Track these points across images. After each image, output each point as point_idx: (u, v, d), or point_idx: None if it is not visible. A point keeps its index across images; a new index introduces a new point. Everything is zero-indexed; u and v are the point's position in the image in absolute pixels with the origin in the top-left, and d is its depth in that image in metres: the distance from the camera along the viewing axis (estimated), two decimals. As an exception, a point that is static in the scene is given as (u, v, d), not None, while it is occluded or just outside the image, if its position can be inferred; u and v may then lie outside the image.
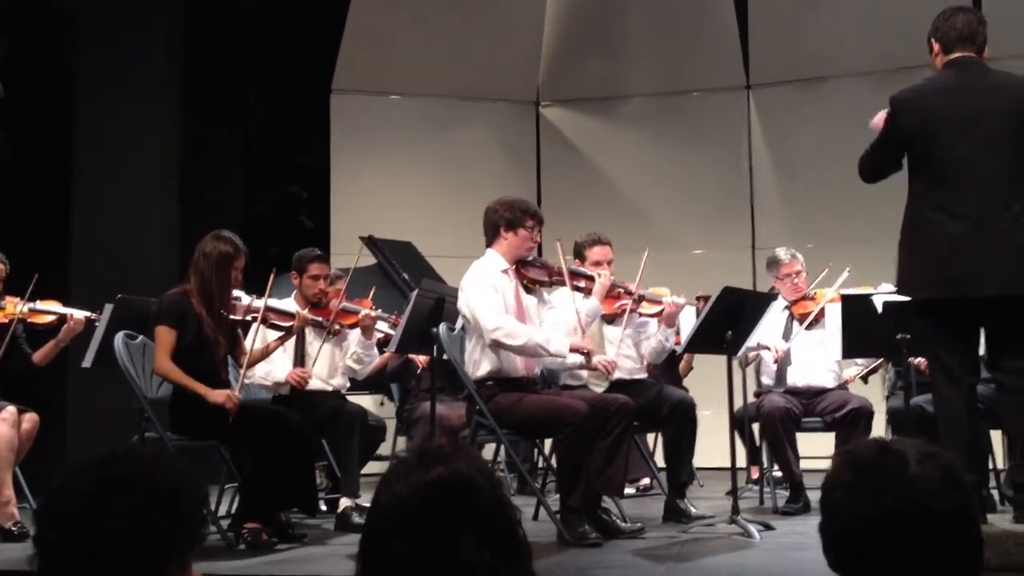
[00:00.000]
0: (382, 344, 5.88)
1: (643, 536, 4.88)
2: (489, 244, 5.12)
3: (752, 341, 5.61)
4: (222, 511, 5.58)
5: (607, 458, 4.81)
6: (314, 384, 5.59)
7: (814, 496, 5.48)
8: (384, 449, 6.41)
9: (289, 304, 5.60)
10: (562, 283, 5.20)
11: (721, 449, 5.43)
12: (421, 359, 6.54)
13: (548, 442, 5.68)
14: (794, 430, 5.76)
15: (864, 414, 5.69)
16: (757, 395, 6.07)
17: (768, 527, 4.98)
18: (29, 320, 5.67)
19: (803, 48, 9.00)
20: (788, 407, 5.74)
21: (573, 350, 4.96)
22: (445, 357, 5.25)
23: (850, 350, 5.56)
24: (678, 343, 5.77)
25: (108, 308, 5.51)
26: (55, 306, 5.73)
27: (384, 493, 1.47)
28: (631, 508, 5.55)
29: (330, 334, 5.60)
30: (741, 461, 5.91)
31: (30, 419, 5.39)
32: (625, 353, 5.57)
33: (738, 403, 5.52)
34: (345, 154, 9.21)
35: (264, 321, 5.24)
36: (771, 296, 5.61)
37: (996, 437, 5.36)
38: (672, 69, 9.37)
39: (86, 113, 8.27)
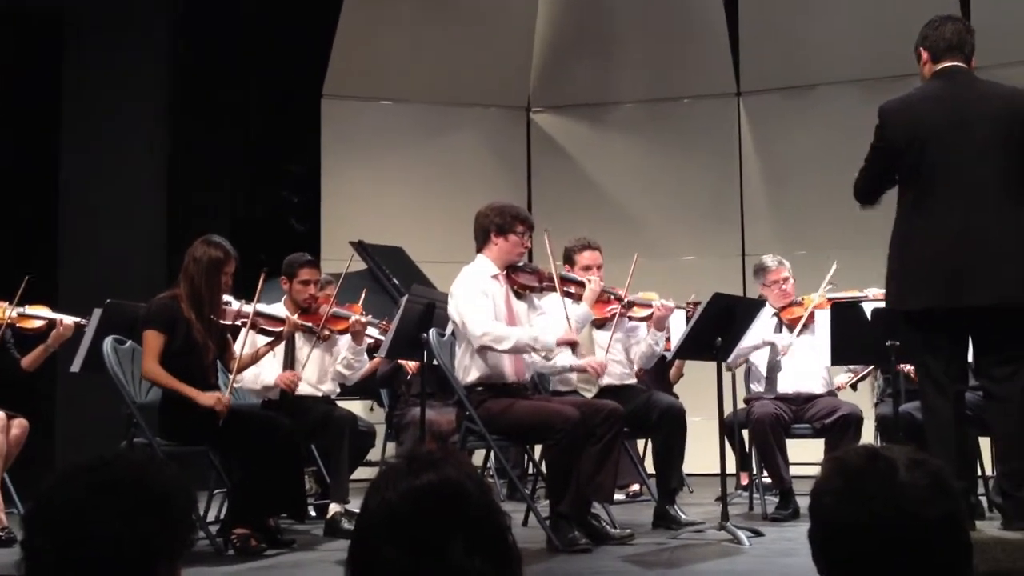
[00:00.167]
0: (372, 349, 5.87)
1: (633, 542, 4.88)
2: (479, 249, 5.12)
3: (748, 342, 5.61)
4: (211, 516, 5.56)
5: (597, 464, 4.82)
6: (304, 389, 5.58)
7: (803, 502, 5.49)
8: (374, 455, 6.41)
9: (279, 309, 5.59)
10: (552, 289, 5.21)
11: (711, 455, 5.43)
12: (411, 364, 6.53)
13: (538, 448, 5.68)
14: (784, 436, 5.76)
15: (853, 421, 5.70)
16: (747, 401, 6.08)
17: (757, 533, 4.98)
18: (18, 325, 5.66)
19: (793, 56, 9.02)
20: (778, 413, 5.74)
21: (560, 343, 4.96)
22: (435, 363, 5.25)
23: (839, 357, 5.57)
24: (668, 349, 5.78)
25: (97, 313, 5.50)
26: (44, 311, 5.72)
27: (373, 499, 1.47)
28: (621, 514, 5.55)
29: (320, 339, 5.59)
30: (731, 467, 5.91)
31: (19, 424, 5.38)
32: (615, 358, 5.57)
33: (728, 409, 5.52)
34: (336, 159, 9.21)
35: (254, 326, 5.23)
36: (760, 302, 5.63)
37: (984, 444, 5.37)
38: (663, 76, 9.39)
39: (74, 118, 8.25)
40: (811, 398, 5.93)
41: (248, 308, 5.21)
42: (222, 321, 5.07)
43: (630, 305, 5.49)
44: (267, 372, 5.56)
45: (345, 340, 5.68)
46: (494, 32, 9.38)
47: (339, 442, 5.38)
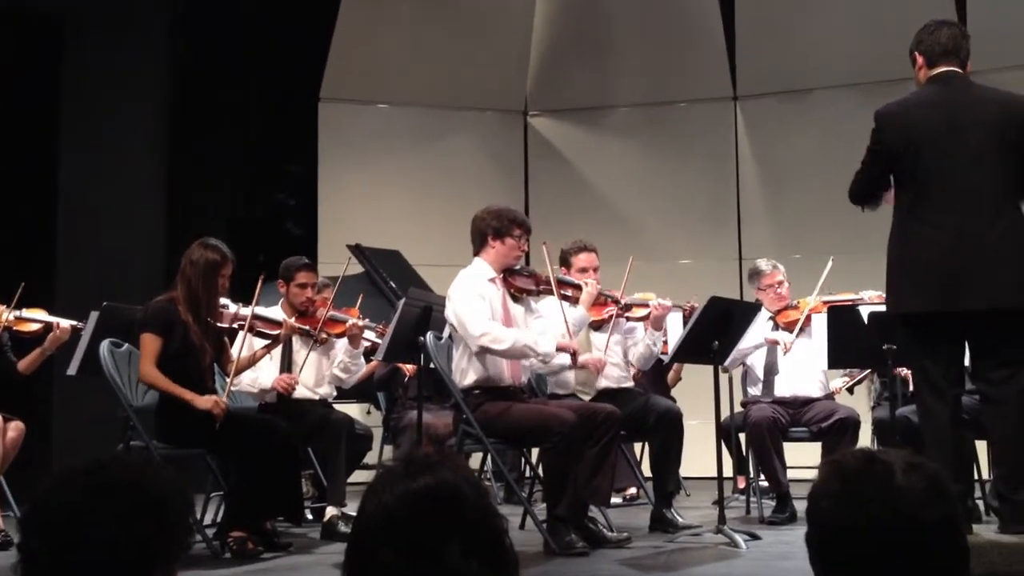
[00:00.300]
0: (369, 353, 5.87)
1: (630, 546, 4.88)
2: (476, 253, 5.12)
3: (747, 343, 5.60)
4: (208, 519, 5.56)
5: (594, 467, 4.81)
6: (301, 393, 5.58)
7: (800, 506, 5.48)
8: (371, 458, 6.39)
9: (276, 312, 5.59)
10: (549, 292, 5.21)
11: (708, 459, 5.44)
12: (408, 368, 6.53)
13: (535, 451, 5.68)
14: (780, 440, 5.76)
15: (851, 424, 5.70)
16: (744, 405, 6.08)
17: (754, 537, 4.99)
18: (15, 328, 5.65)
19: (790, 60, 9.04)
20: (775, 417, 5.74)
21: (560, 349, 4.96)
22: (432, 366, 5.25)
23: (836, 360, 5.57)
24: (665, 352, 5.78)
25: (94, 316, 5.49)
26: (41, 314, 5.71)
27: (370, 502, 1.47)
28: (618, 517, 5.55)
29: (317, 343, 5.59)
30: (728, 471, 5.91)
31: (15, 427, 5.37)
32: (612, 361, 5.57)
33: (725, 413, 5.53)
34: (333, 162, 9.21)
35: (251, 329, 5.23)
36: (757, 306, 5.63)
37: (981, 448, 5.37)
38: (659, 80, 9.41)
39: (74, 118, 8.25)
40: (808, 401, 5.94)
41: (245, 311, 5.21)
42: (219, 324, 5.06)
43: (627, 307, 5.49)
44: (264, 375, 5.56)
45: (342, 343, 5.68)
46: (491, 36, 9.39)
47: (336, 445, 5.38)
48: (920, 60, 4.23)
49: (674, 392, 7.00)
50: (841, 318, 5.37)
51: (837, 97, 8.74)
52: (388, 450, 6.89)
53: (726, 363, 5.57)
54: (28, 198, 8.22)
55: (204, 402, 4.81)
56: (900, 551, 1.48)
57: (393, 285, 7.46)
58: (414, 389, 6.10)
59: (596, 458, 4.82)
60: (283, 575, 4.47)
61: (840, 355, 5.44)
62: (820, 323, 5.60)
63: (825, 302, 5.97)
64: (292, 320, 5.48)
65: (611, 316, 5.47)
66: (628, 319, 5.58)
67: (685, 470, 5.78)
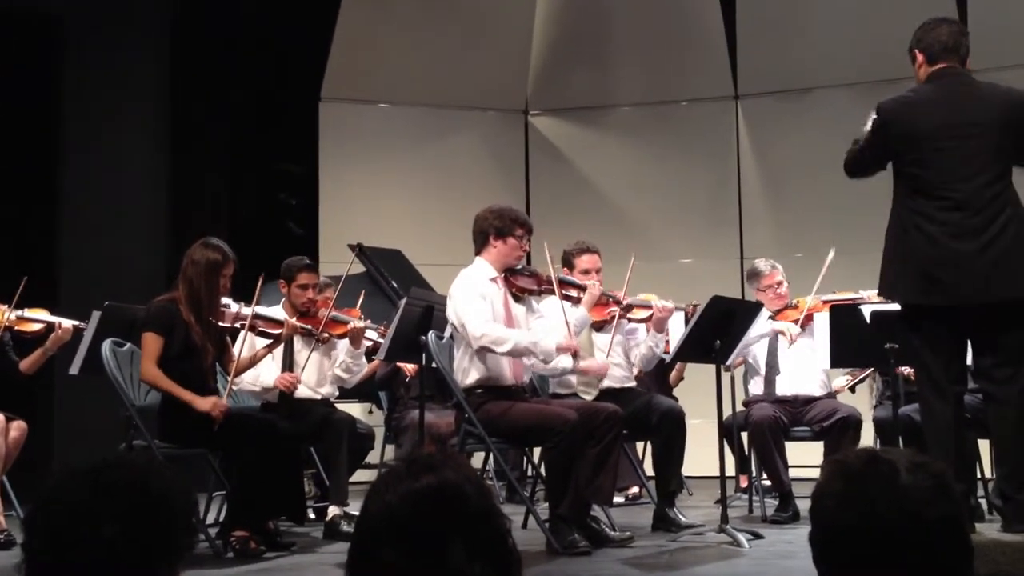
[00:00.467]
0: (371, 352, 5.87)
1: (632, 545, 4.88)
2: (478, 252, 5.12)
3: (753, 333, 5.59)
4: (210, 519, 5.57)
5: (596, 467, 4.81)
6: (302, 392, 5.58)
7: (803, 505, 5.49)
8: (372, 457, 6.40)
9: (277, 312, 5.59)
10: (551, 292, 5.20)
11: (710, 458, 5.43)
12: (410, 367, 6.53)
13: (537, 450, 5.68)
14: (783, 439, 5.76)
15: (852, 423, 5.70)
16: (746, 404, 6.08)
17: (757, 536, 4.98)
18: (16, 328, 5.65)
19: (790, 59, 9.03)
20: (777, 416, 5.74)
21: (560, 350, 4.96)
22: (434, 365, 5.25)
23: (838, 359, 5.57)
24: (667, 351, 5.78)
25: (96, 315, 5.50)
26: (43, 314, 5.71)
27: (373, 502, 1.47)
28: (620, 517, 5.55)
29: (319, 343, 5.59)
30: (730, 470, 5.91)
31: (18, 427, 5.37)
32: (615, 361, 5.56)
33: (727, 412, 5.52)
34: (334, 162, 9.20)
35: (252, 328, 5.23)
36: (759, 305, 5.62)
37: (984, 447, 5.37)
38: (660, 79, 9.40)
39: (74, 119, 8.26)
40: (810, 400, 5.93)
41: (247, 311, 5.21)
42: (221, 324, 5.06)
43: (629, 307, 5.49)
44: (266, 373, 5.56)
45: (344, 343, 5.68)
46: (492, 35, 9.38)
47: (338, 445, 5.38)
48: (920, 57, 4.23)
49: (676, 391, 7.00)
50: (843, 317, 5.37)
51: (838, 96, 8.73)
52: (390, 450, 6.90)
53: (728, 361, 5.57)
54: (29, 198, 8.23)
55: (203, 403, 4.81)
56: (904, 550, 1.47)
57: (395, 285, 7.46)
58: (416, 388, 6.10)
59: (598, 457, 4.82)
60: (285, 575, 4.47)
61: (842, 354, 5.44)
62: (822, 322, 5.60)
63: (825, 301, 5.97)
64: (294, 320, 5.48)
65: (613, 317, 5.47)
66: (630, 320, 5.57)
67: (687, 469, 5.77)
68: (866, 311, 5.24)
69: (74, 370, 5.52)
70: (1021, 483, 4.00)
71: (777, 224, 9.03)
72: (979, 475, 5.54)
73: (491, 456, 6.09)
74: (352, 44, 9.14)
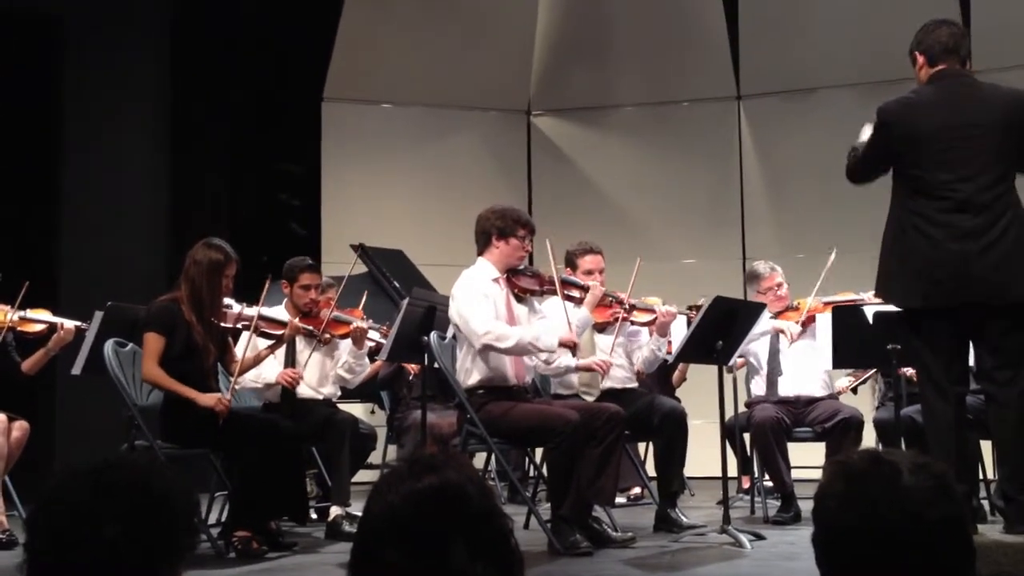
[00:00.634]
0: (373, 353, 5.87)
1: (634, 545, 4.87)
2: (480, 253, 5.12)
3: (754, 331, 5.57)
4: (212, 519, 5.56)
5: (598, 467, 4.81)
6: (305, 392, 5.58)
7: (805, 506, 5.49)
8: (375, 457, 6.41)
9: (280, 312, 5.59)
10: (553, 292, 5.20)
11: (712, 459, 5.43)
12: (412, 367, 6.53)
13: (539, 451, 5.68)
14: (785, 440, 5.76)
15: (854, 424, 5.69)
16: (748, 405, 6.08)
17: (759, 537, 4.98)
18: (19, 329, 5.65)
19: (793, 59, 9.03)
20: (779, 417, 5.74)
21: (562, 344, 4.96)
22: (436, 366, 5.25)
23: (840, 360, 5.57)
24: (670, 352, 5.78)
25: (98, 315, 5.50)
26: (45, 315, 5.72)
27: (375, 502, 1.47)
28: (622, 517, 5.55)
29: (321, 343, 5.59)
30: (732, 471, 5.90)
31: (20, 427, 5.38)
32: (617, 362, 5.56)
33: (729, 413, 5.52)
34: (336, 162, 9.20)
35: (255, 329, 5.23)
36: (761, 305, 5.61)
37: (986, 447, 5.36)
38: (662, 79, 9.40)
39: (75, 119, 8.26)
40: (811, 401, 5.93)
41: (249, 311, 5.22)
42: (223, 324, 5.07)
43: (632, 309, 5.49)
44: (268, 370, 5.56)
45: (346, 344, 5.68)
46: (494, 36, 9.38)
47: (340, 445, 5.39)
48: (921, 59, 4.23)
49: (678, 392, 6.99)
50: (845, 318, 5.37)
51: (841, 96, 8.73)
52: (392, 450, 6.90)
53: (730, 360, 5.56)
54: (29, 199, 8.23)
55: (207, 399, 4.81)
56: (906, 551, 1.47)
57: (397, 285, 7.46)
58: (418, 389, 6.10)
59: (600, 458, 4.81)
60: (287, 575, 4.47)
61: (845, 355, 5.44)
62: (824, 323, 5.60)
63: (826, 303, 5.97)
64: (296, 320, 5.48)
65: (616, 318, 5.47)
66: (633, 322, 5.57)
67: (689, 470, 5.77)
68: (868, 312, 5.23)
69: (76, 370, 5.52)
70: (1023, 484, 3.99)
71: (779, 224, 9.03)
72: (981, 476, 5.53)
73: (493, 456, 6.08)
74: (354, 44, 9.14)
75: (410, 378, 6.73)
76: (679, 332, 5.80)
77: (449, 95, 9.39)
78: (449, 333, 5.26)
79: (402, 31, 9.23)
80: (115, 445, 5.17)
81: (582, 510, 4.79)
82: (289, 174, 9.61)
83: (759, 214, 9.17)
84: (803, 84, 9.07)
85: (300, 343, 5.65)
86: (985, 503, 5.11)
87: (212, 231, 5.78)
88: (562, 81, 9.58)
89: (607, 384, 5.48)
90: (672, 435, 5.41)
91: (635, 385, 5.73)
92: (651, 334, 5.62)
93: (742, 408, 6.08)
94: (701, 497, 6.81)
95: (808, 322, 5.96)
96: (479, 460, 6.37)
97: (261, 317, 5.27)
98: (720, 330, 5.03)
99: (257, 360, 5.32)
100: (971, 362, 4.26)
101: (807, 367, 5.96)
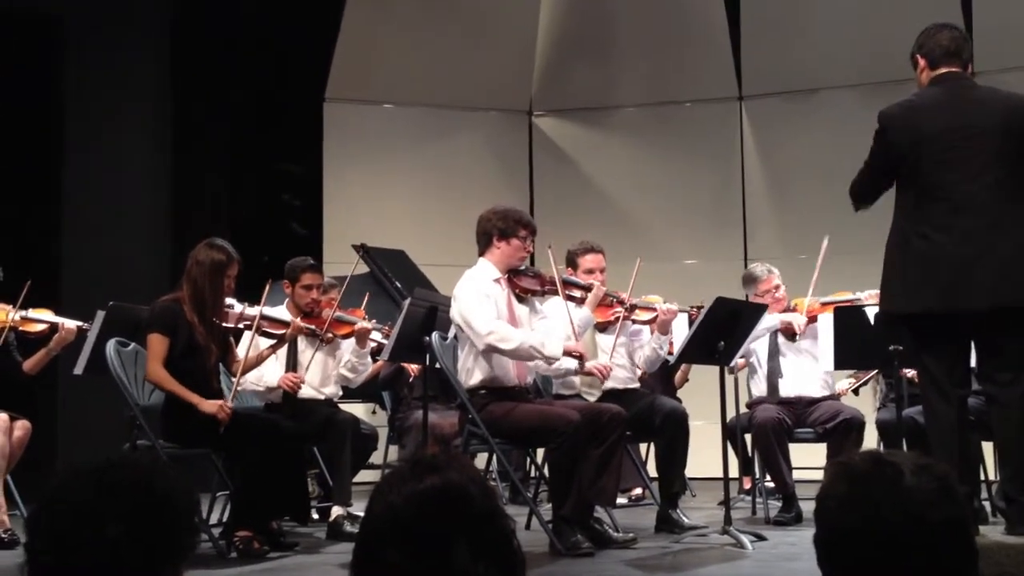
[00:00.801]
0: (375, 353, 5.88)
1: (635, 546, 4.87)
2: (482, 253, 5.12)
3: (761, 326, 5.56)
4: (214, 519, 5.56)
5: (599, 468, 4.81)
6: (306, 392, 5.58)
7: (806, 506, 5.49)
8: (376, 458, 6.41)
9: (281, 312, 5.59)
10: (555, 292, 5.20)
11: (713, 459, 5.44)
12: (414, 368, 6.53)
13: (540, 451, 5.68)
14: (786, 441, 5.75)
15: (856, 425, 5.69)
16: (749, 406, 6.07)
17: (760, 537, 4.98)
18: (20, 328, 5.65)
19: (795, 60, 9.02)
20: (780, 418, 5.73)
21: (567, 353, 4.96)
22: (437, 366, 5.25)
23: (842, 362, 5.57)
24: (671, 352, 5.78)
25: (100, 315, 5.50)
26: (47, 315, 5.71)
27: (377, 502, 1.47)
28: (623, 518, 5.55)
29: (323, 343, 5.59)
30: (733, 471, 5.91)
31: (22, 426, 5.38)
32: (618, 363, 5.56)
33: (730, 414, 5.52)
34: (338, 163, 9.21)
35: (257, 329, 5.24)
36: (763, 306, 5.61)
37: (988, 449, 5.36)
38: (664, 80, 9.40)
39: (75, 119, 8.26)
40: (813, 402, 5.92)
41: (251, 311, 5.22)
42: (225, 324, 5.07)
43: (633, 309, 5.49)
44: (269, 373, 5.56)
45: (348, 343, 5.69)
46: (496, 36, 9.38)
47: (341, 445, 5.39)
48: (922, 63, 4.23)
49: (680, 393, 6.99)
50: (847, 319, 5.37)
51: (843, 97, 8.73)
52: (393, 450, 6.90)
53: (732, 361, 5.56)
54: (31, 199, 8.23)
55: (209, 406, 4.81)
56: (908, 553, 1.47)
57: (398, 285, 7.47)
58: (419, 389, 6.10)
59: (602, 458, 4.81)
60: (289, 575, 4.47)
61: (846, 356, 5.44)
62: (825, 324, 5.60)
63: (824, 303, 5.97)
64: (298, 320, 5.48)
65: (617, 317, 5.46)
66: (634, 321, 5.57)
67: (691, 471, 5.77)
68: (870, 313, 5.23)
69: (78, 370, 5.52)
70: (1024, 485, 3.99)
71: (781, 225, 9.03)
72: (983, 477, 5.53)
73: (494, 457, 6.08)
74: (356, 45, 9.14)
75: (411, 378, 6.73)
76: (681, 331, 5.80)
77: (451, 95, 9.39)
78: (451, 333, 5.26)
79: (403, 31, 9.23)
80: (117, 445, 5.17)
81: (583, 511, 4.79)
82: (290, 174, 9.62)
83: (761, 215, 9.17)
84: (805, 85, 9.07)
85: (302, 343, 5.66)
86: (987, 504, 5.11)
87: (213, 231, 5.79)
88: (564, 81, 9.58)
89: (609, 384, 5.47)
90: (673, 436, 5.40)
91: (637, 386, 5.73)
92: (652, 332, 5.62)
93: (743, 409, 6.08)
94: (702, 498, 6.81)
95: (810, 321, 5.96)
96: (480, 460, 6.37)
97: (263, 317, 5.27)
98: (722, 331, 5.02)
99: (259, 360, 5.32)
100: (972, 363, 4.26)
101: (808, 368, 5.96)
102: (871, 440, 5.96)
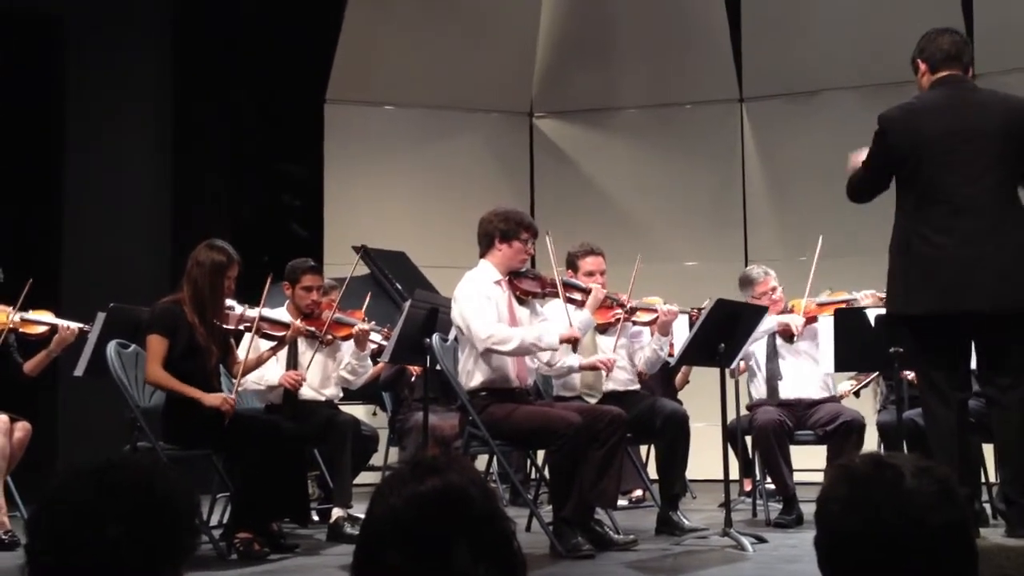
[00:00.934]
0: (376, 355, 5.87)
1: (636, 548, 4.87)
2: (483, 255, 5.11)
3: (766, 324, 5.55)
4: (214, 520, 5.56)
5: (600, 470, 4.81)
6: (307, 394, 5.58)
7: (807, 509, 5.48)
8: (376, 459, 6.41)
9: (282, 314, 5.59)
10: (555, 295, 5.20)
11: (714, 461, 5.44)
12: (415, 369, 6.52)
13: (541, 453, 5.68)
14: (787, 443, 5.76)
15: (856, 427, 5.69)
16: (749, 408, 6.07)
17: (761, 540, 4.98)
18: (21, 330, 5.65)
19: (796, 61, 9.02)
20: (781, 420, 5.73)
21: (563, 340, 4.95)
22: (438, 368, 5.25)
23: (842, 364, 5.56)
24: (671, 354, 5.78)
25: (100, 317, 5.50)
26: (47, 316, 5.71)
27: (378, 504, 1.47)
28: (624, 520, 5.55)
29: (323, 344, 5.59)
30: (734, 474, 5.90)
31: (22, 428, 5.38)
32: (619, 364, 5.56)
33: (731, 415, 5.52)
34: (339, 164, 9.21)
35: (257, 331, 5.23)
36: (763, 308, 5.61)
37: (988, 451, 5.36)
38: (665, 81, 9.40)
39: (75, 119, 8.26)
40: (813, 404, 5.92)
41: (251, 312, 5.22)
42: (225, 325, 5.07)
43: (633, 310, 5.49)
44: (270, 372, 5.56)
45: (348, 345, 5.69)
46: (497, 37, 9.39)
47: (342, 446, 5.39)
48: (923, 67, 4.23)
49: (680, 395, 6.98)
50: (847, 321, 5.37)
51: (843, 99, 8.73)
52: (394, 452, 6.89)
53: (732, 363, 5.56)
54: (32, 200, 8.23)
55: (212, 399, 4.81)
56: (909, 555, 1.47)
57: (399, 287, 7.46)
58: (420, 391, 6.10)
59: (602, 460, 4.81)
60: (289, 577, 4.48)
61: (846, 358, 5.44)
62: (826, 326, 5.60)
63: (820, 303, 5.98)
64: (298, 322, 5.48)
65: (617, 319, 5.46)
66: (634, 323, 5.57)
67: (691, 473, 5.77)
68: (871, 315, 5.23)
69: (79, 372, 5.53)
70: (1024, 487, 3.99)
71: (781, 226, 9.03)
72: (983, 479, 5.53)
73: (495, 459, 6.08)
74: (357, 46, 9.14)
75: (412, 380, 6.73)
76: (681, 333, 5.80)
77: (451, 97, 9.40)
78: (451, 335, 5.26)
79: (404, 33, 9.24)
80: (117, 446, 5.17)
81: (584, 512, 4.79)
82: (291, 175, 9.62)
83: (761, 216, 9.17)
84: (805, 86, 9.07)
85: (302, 345, 5.66)
86: (987, 506, 5.11)
87: (213, 232, 5.79)
88: (564, 83, 9.58)
89: (609, 386, 5.48)
90: (674, 438, 5.41)
91: (637, 387, 5.73)
92: (653, 334, 5.61)
93: (744, 411, 6.07)
94: (703, 500, 6.81)
95: (808, 322, 5.96)
96: (481, 462, 6.37)
97: (263, 318, 5.27)
98: (722, 333, 5.02)
99: (259, 362, 5.32)
100: (972, 365, 4.26)
101: (806, 370, 5.96)
102: (872, 442, 5.96)
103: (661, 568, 4.52)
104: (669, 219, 9.26)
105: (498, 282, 5.04)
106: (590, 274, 5.55)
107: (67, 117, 8.29)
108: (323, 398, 5.69)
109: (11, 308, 5.59)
